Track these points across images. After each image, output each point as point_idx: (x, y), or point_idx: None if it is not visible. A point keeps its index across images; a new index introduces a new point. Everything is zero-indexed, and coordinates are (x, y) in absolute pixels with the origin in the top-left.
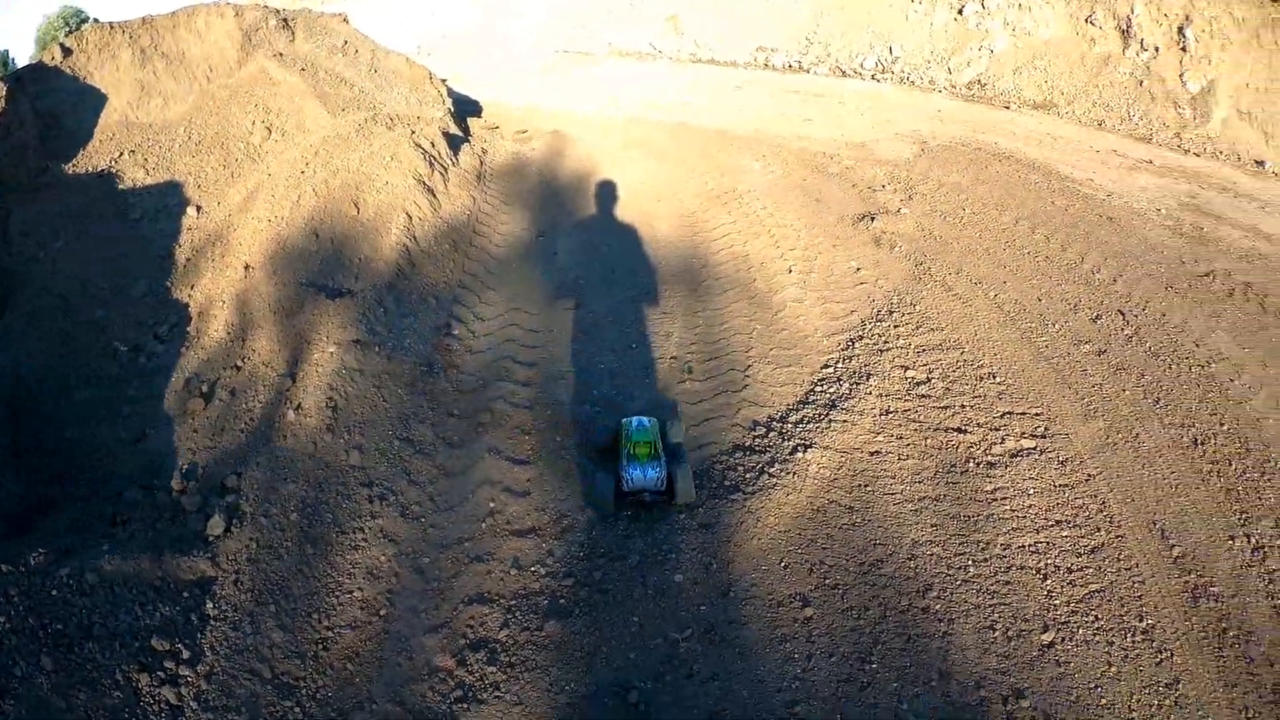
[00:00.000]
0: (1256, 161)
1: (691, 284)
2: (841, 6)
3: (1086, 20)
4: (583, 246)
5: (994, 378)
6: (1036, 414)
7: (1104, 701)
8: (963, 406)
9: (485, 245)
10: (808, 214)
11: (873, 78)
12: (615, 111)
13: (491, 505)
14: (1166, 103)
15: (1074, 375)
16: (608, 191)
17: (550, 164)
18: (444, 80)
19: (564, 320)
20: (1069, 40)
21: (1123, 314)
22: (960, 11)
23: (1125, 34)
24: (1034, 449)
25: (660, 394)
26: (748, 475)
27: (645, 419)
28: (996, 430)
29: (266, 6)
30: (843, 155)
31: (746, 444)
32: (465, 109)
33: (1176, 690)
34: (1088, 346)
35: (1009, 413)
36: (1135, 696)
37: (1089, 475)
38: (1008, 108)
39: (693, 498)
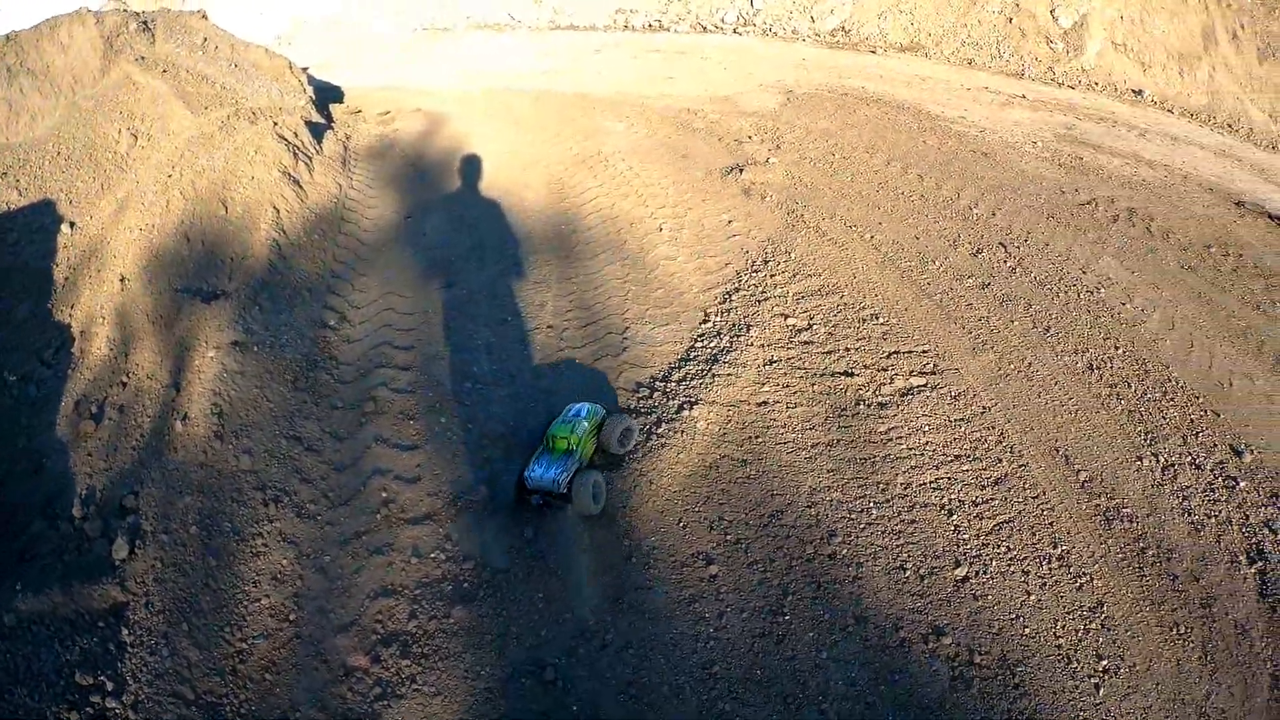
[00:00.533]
0: (1134, 91)
1: (563, 251)
2: None
3: None
4: (451, 223)
5: (877, 319)
6: (924, 351)
7: (1027, 631)
8: (847, 350)
9: (354, 232)
10: (675, 171)
11: (735, 31)
12: (477, 84)
13: (384, 495)
14: (1038, 38)
15: (959, 310)
16: (473, 166)
17: (414, 143)
18: (305, 68)
19: (438, 300)
20: None
21: (1004, 246)
22: None
23: None
24: (924, 386)
25: (539, 365)
26: (638, 437)
27: (585, 409)
28: (884, 371)
29: (127, 10)
30: (707, 110)
31: (631, 406)
32: (327, 96)
33: (1101, 613)
34: (971, 281)
35: (895, 352)
36: (1059, 623)
37: (984, 408)
38: (874, 52)
39: (591, 510)
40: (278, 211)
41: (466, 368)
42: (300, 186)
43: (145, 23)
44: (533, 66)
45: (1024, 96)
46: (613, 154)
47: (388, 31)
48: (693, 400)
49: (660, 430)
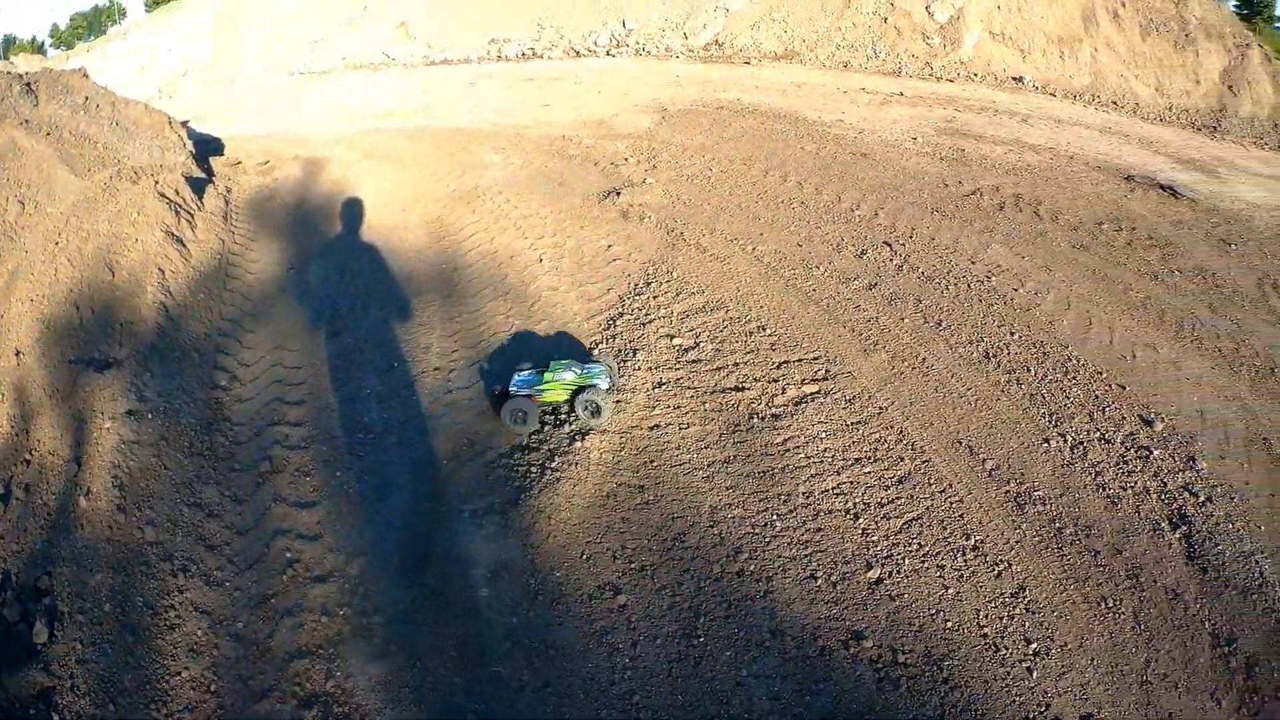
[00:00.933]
0: (1015, 78)
1: (445, 290)
2: None
3: None
4: (335, 271)
5: (764, 330)
6: (814, 358)
7: (950, 624)
8: (736, 365)
9: (239, 288)
10: (552, 200)
11: (608, 54)
12: (355, 126)
13: (289, 555)
14: (914, 35)
15: (847, 313)
16: (353, 210)
17: (295, 191)
18: (185, 122)
19: (325, 350)
20: None
21: (889, 245)
22: None
23: None
24: (818, 393)
25: (429, 409)
26: (531, 473)
27: (595, 369)
28: (776, 382)
29: (9, 73)
30: (582, 135)
31: (524, 442)
32: (208, 148)
33: (1024, 597)
34: (857, 283)
35: (785, 362)
36: (982, 613)
37: (880, 408)
38: (749, 63)
39: (507, 423)
40: (163, 273)
41: (358, 418)
42: (184, 245)
43: (29, 84)
44: (409, 104)
45: (902, 94)
46: (490, 187)
47: (266, 78)
48: (584, 430)
49: (554, 464)
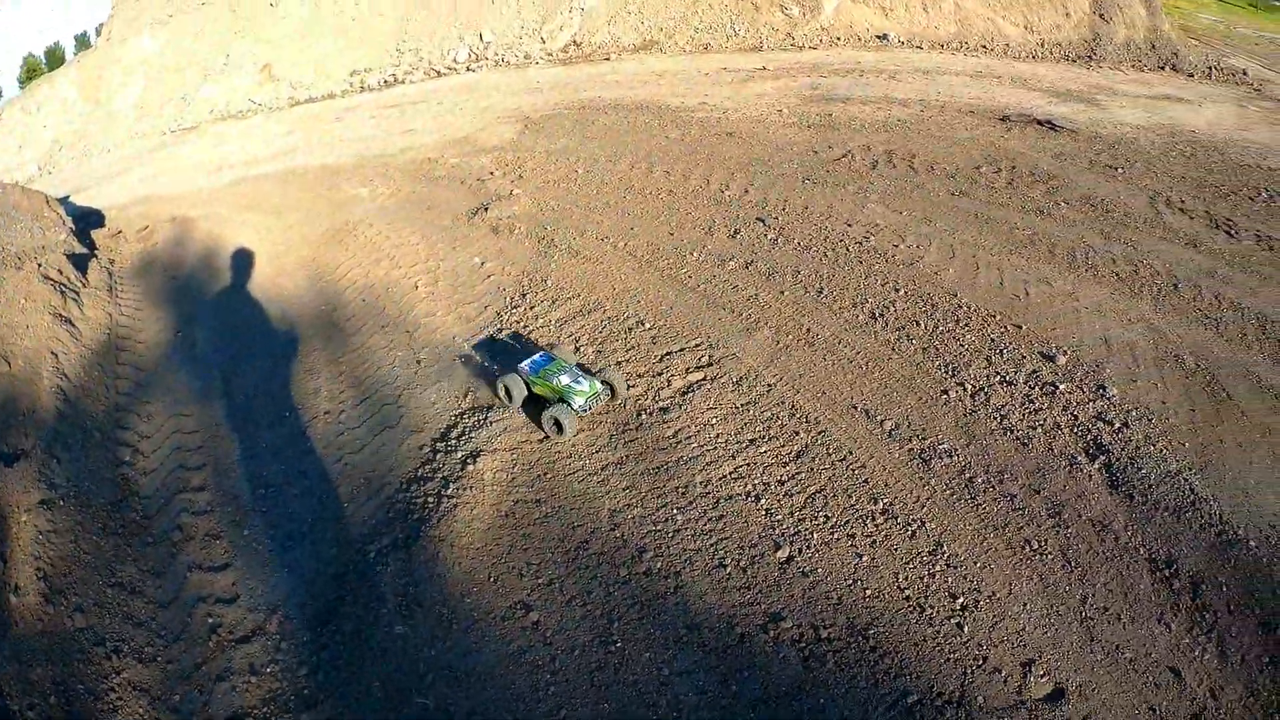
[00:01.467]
0: (879, 37)
1: (327, 332)
2: (425, 5)
3: None
4: (219, 329)
5: (643, 325)
6: (696, 345)
7: (869, 592)
8: (619, 363)
9: (131, 359)
10: (423, 225)
11: (468, 69)
12: (227, 177)
13: (211, 620)
14: (772, 8)
15: (725, 295)
16: (232, 264)
17: (175, 254)
18: (64, 197)
19: (219, 410)
20: None
21: (762, 221)
22: None
23: None
24: (704, 380)
25: (324, 454)
26: (429, 503)
27: (583, 384)
28: (660, 375)
29: None
30: (448, 155)
31: (419, 474)
32: (89, 221)
33: (943, 553)
34: (733, 263)
35: (668, 353)
36: (901, 575)
37: (769, 385)
38: (608, 59)
39: (499, 395)
40: (56, 356)
41: (258, 474)
42: (73, 325)
43: None
44: (277, 147)
45: (765, 68)
46: (361, 221)
47: (140, 141)
48: (475, 453)
49: (449, 491)
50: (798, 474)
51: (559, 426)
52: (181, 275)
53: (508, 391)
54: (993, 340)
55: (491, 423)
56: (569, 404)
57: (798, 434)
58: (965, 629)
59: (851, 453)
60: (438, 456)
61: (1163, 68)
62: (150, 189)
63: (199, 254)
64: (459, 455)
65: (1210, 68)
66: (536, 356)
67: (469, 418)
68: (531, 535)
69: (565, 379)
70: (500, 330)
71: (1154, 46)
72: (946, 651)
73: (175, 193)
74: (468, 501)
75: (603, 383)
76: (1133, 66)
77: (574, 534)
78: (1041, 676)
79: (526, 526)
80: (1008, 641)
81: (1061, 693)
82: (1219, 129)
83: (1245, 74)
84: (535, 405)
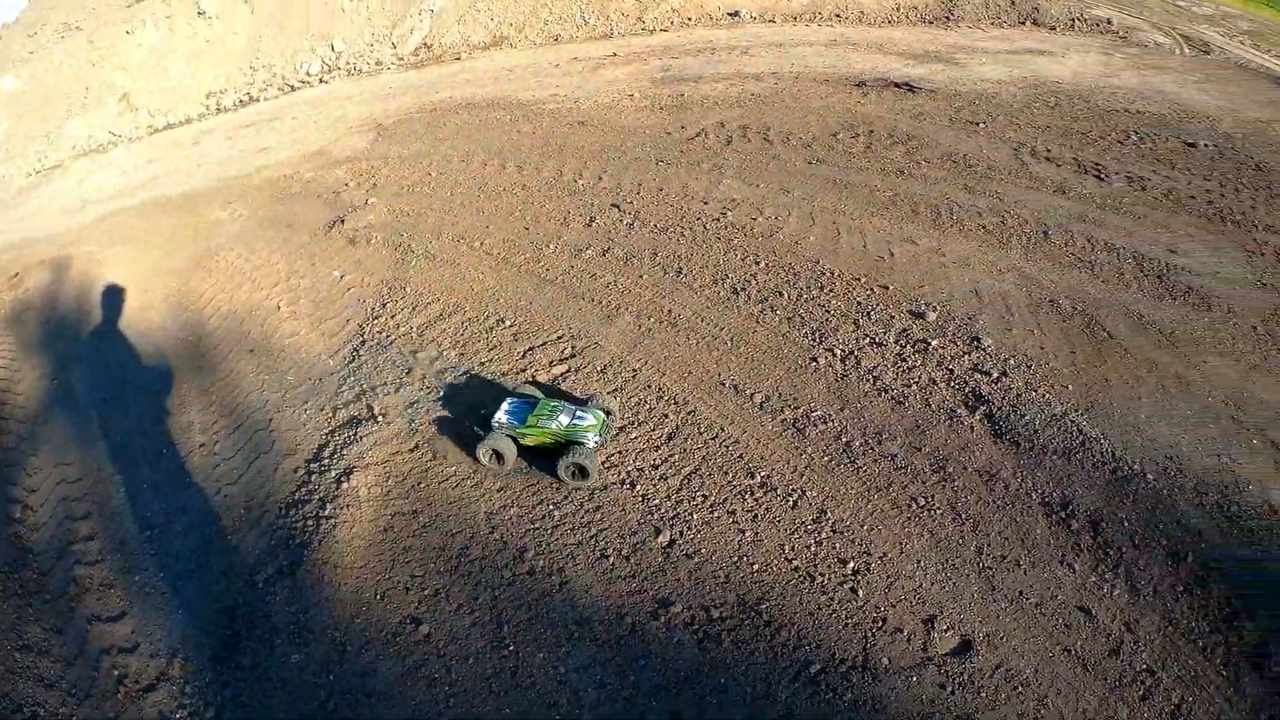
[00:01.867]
0: (730, 14)
1: (195, 363)
2: (277, 21)
3: None
4: (94, 372)
5: (504, 323)
6: (559, 337)
7: (756, 567)
8: (483, 364)
9: (12, 413)
10: (281, 243)
11: (321, 80)
12: (92, 214)
13: (116, 673)
14: None
15: (583, 285)
16: (103, 301)
17: (47, 299)
18: None
19: (100, 454)
20: None
21: (617, 207)
22: None
23: None
24: (568, 371)
25: (201, 487)
26: (309, 526)
27: (586, 420)
28: (524, 371)
29: None
30: (303, 170)
31: (296, 498)
32: None
33: (827, 520)
34: (590, 251)
35: (531, 348)
36: (787, 546)
37: (634, 370)
38: (459, 59)
39: (482, 458)
40: None
41: (143, 516)
42: None
43: None
44: (141, 177)
45: (615, 54)
46: (221, 246)
47: (4, 184)
48: (348, 470)
49: (327, 512)
50: (671, 456)
51: (584, 472)
52: (55, 319)
53: (497, 456)
54: (859, 304)
55: (362, 438)
56: (583, 444)
57: (667, 416)
58: (860, 593)
59: (724, 429)
60: (313, 478)
61: (1024, 22)
62: (19, 233)
63: (71, 295)
64: (333, 474)
65: (1074, 19)
66: (508, 405)
67: (340, 435)
68: (412, 547)
69: (564, 419)
70: (361, 346)
71: (1014, 2)
72: (844, 617)
73: (44, 234)
74: (346, 520)
75: (602, 410)
76: (992, 23)
77: (453, 541)
78: (946, 631)
79: (406, 539)
80: (906, 600)
81: (969, 644)
82: (1084, 78)
83: (1110, 23)
84: (530, 453)
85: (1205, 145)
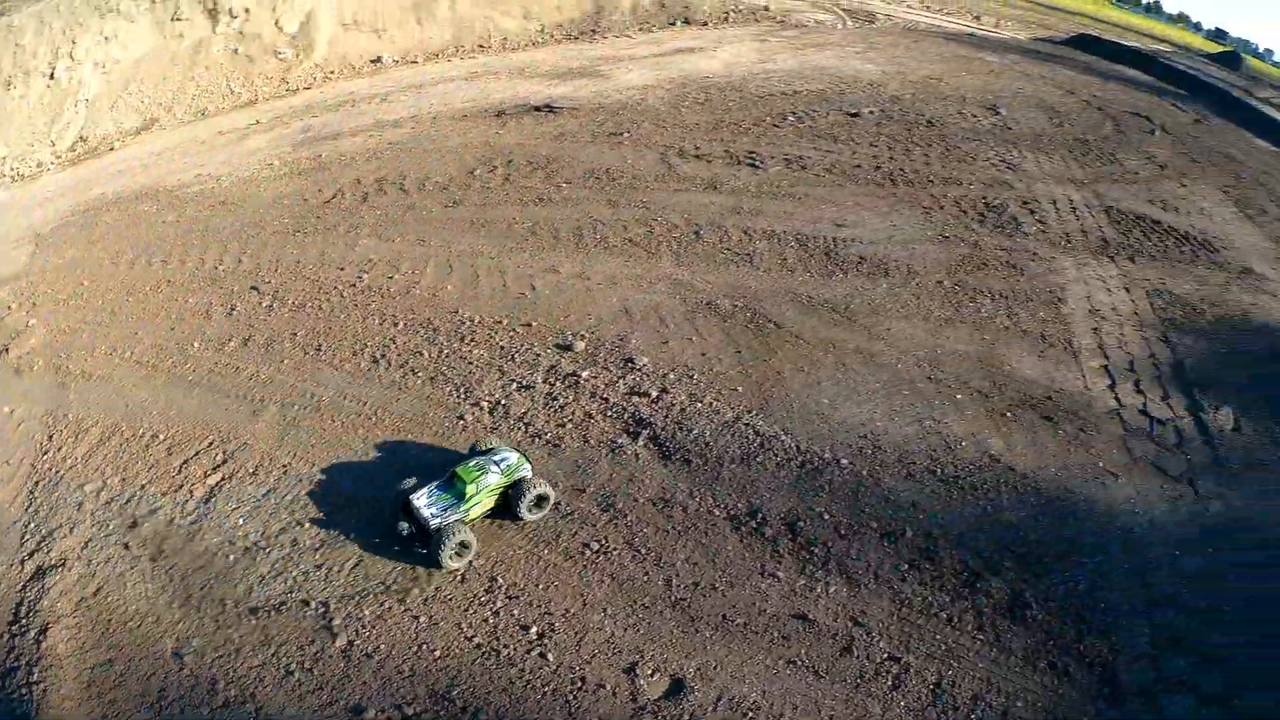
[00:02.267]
0: (373, 61)
1: None
2: None
3: (174, 19)
4: None
5: (157, 438)
6: (209, 444)
7: (438, 653)
8: (142, 487)
9: None
10: None
11: None
12: None
13: None
14: (266, 56)
15: (228, 381)
16: None
17: None
18: None
19: None
20: (159, 48)
21: (256, 289)
22: (52, 75)
23: (213, 12)
24: (222, 480)
25: None
26: (24, 695)
27: (510, 461)
28: (182, 487)
29: None
30: None
31: (6, 666)
32: None
33: (499, 587)
34: (232, 343)
35: (184, 462)
36: (464, 624)
37: (284, 466)
38: (113, 149)
39: (449, 566)
40: None
41: None
42: None
43: None
44: None
45: (258, 122)
46: None
47: None
48: (44, 627)
49: (35, 676)
50: (331, 550)
51: (545, 499)
52: None
53: (463, 545)
54: (503, 348)
55: (49, 589)
56: (526, 476)
57: (322, 511)
58: (550, 657)
59: (379, 512)
60: (16, 640)
61: (674, 24)
62: None
63: None
64: (32, 634)
65: (728, 11)
66: (427, 491)
67: (31, 589)
68: (116, 700)
69: (495, 470)
70: (37, 486)
71: (663, 5)
72: (539, 686)
73: None
74: (54, 683)
75: (504, 448)
76: (641, 30)
77: (150, 686)
78: (652, 675)
79: (109, 692)
80: (601, 654)
81: (680, 684)
82: (737, 68)
83: (767, 9)
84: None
85: (870, 112)
